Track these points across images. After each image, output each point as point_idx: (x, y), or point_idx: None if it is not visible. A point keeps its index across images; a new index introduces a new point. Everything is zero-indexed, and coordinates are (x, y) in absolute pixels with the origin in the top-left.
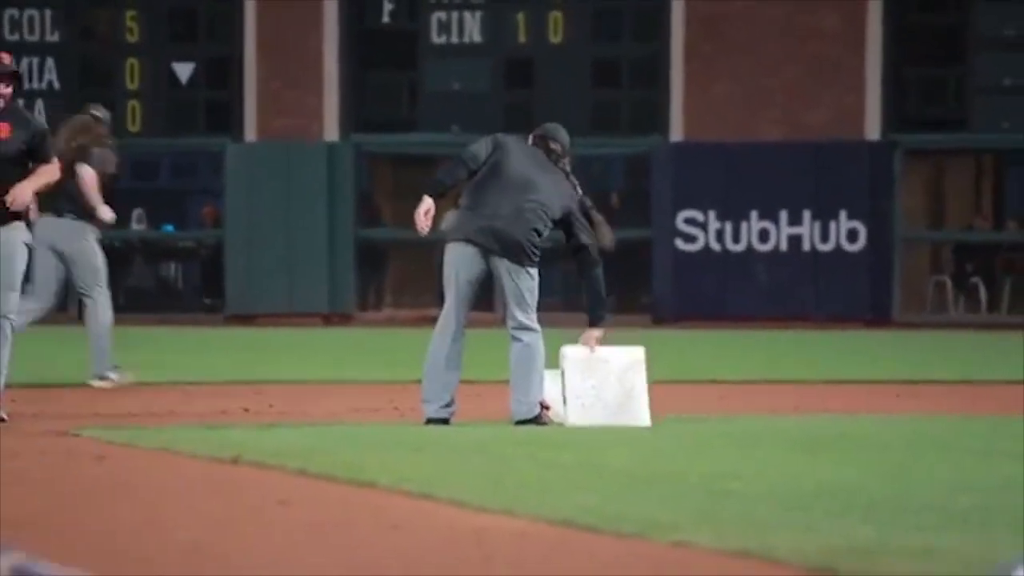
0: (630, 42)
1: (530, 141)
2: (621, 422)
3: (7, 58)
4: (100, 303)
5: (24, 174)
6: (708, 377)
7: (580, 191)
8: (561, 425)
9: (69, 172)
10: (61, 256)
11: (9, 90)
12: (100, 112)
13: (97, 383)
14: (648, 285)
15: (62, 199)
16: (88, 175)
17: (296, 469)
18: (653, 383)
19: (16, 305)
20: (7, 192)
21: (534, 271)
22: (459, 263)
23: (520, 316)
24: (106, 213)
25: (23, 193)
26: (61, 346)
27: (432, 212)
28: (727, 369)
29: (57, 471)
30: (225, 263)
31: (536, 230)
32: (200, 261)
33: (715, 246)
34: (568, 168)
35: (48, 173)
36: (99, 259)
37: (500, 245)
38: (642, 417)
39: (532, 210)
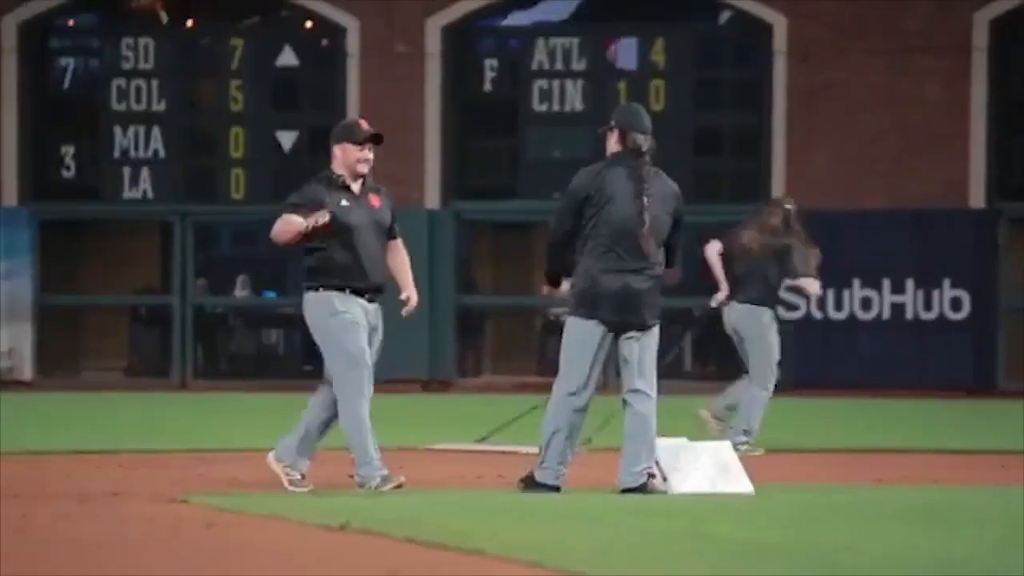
0: (731, 111)
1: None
2: (724, 489)
3: (365, 124)
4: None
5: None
6: (812, 445)
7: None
8: (666, 493)
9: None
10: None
11: (371, 156)
12: (789, 204)
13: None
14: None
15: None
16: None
17: (404, 537)
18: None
19: None
20: (382, 262)
21: (657, 329)
22: (592, 341)
23: (638, 382)
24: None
25: (414, 298)
26: (168, 412)
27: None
28: (831, 437)
29: (167, 538)
30: None
31: (659, 278)
32: (301, 327)
33: (817, 314)
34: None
35: (405, 256)
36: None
37: (631, 314)
38: (744, 485)
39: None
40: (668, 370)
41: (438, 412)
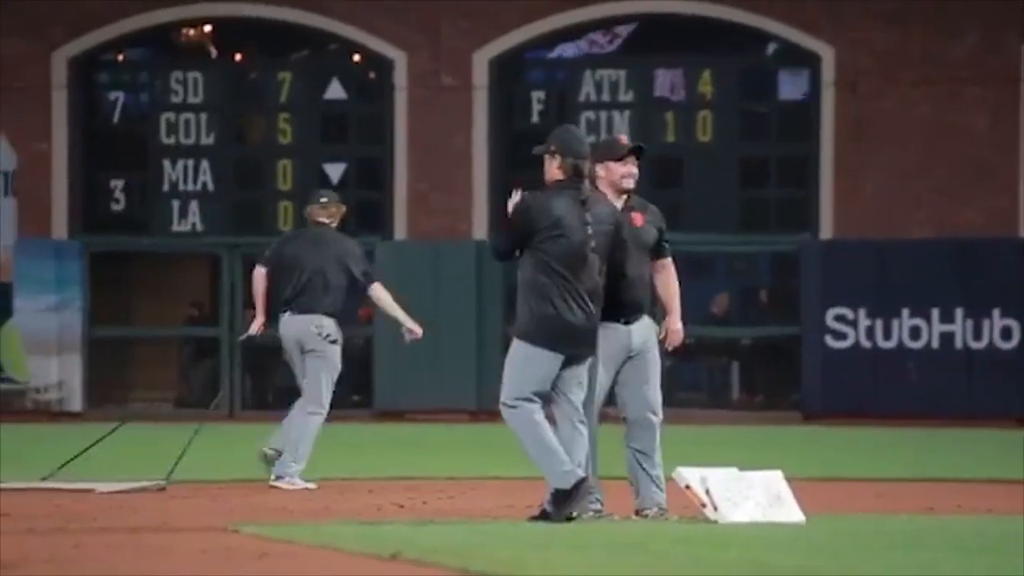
0: (778, 141)
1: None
2: (774, 519)
3: (624, 138)
4: None
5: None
6: (862, 475)
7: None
8: (716, 523)
9: None
10: None
11: (636, 170)
12: None
13: None
14: (797, 382)
15: None
16: None
17: (456, 567)
18: (806, 480)
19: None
20: (642, 288)
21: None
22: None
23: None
24: None
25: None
26: (217, 442)
27: None
28: (881, 467)
29: (219, 568)
30: (374, 359)
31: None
32: (349, 358)
33: (865, 343)
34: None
35: (672, 278)
36: None
37: (584, 345)
38: (795, 514)
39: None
40: (714, 400)
41: (488, 441)
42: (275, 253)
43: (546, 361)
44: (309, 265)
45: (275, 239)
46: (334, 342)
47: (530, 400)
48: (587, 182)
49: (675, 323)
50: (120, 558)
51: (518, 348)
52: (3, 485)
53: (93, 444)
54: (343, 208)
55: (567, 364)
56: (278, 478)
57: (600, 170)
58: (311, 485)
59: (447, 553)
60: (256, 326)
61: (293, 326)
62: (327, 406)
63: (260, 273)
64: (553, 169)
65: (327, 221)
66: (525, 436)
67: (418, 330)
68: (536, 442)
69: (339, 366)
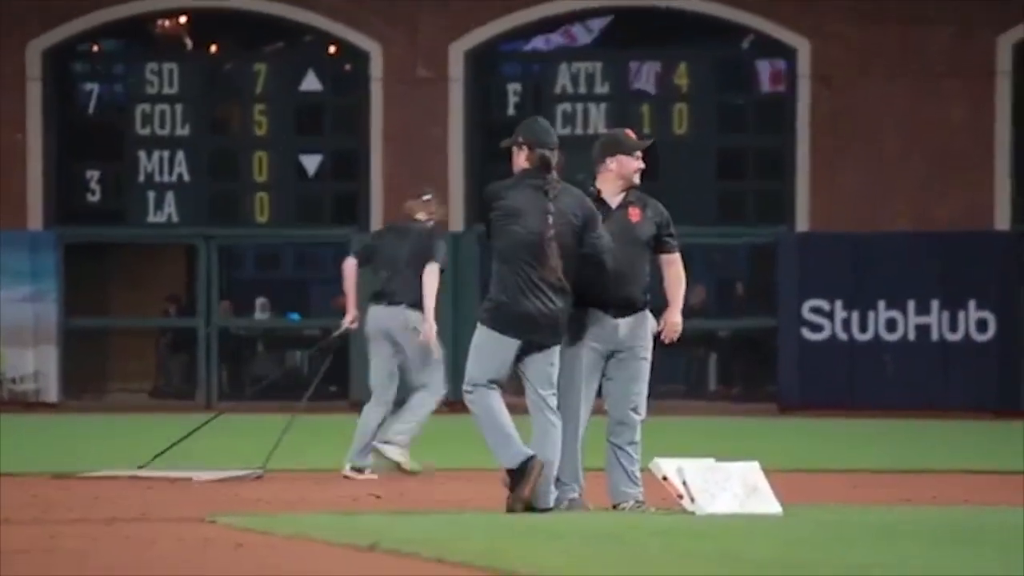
0: (754, 134)
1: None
2: (752, 510)
3: (632, 133)
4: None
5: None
6: (839, 466)
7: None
8: (693, 514)
9: None
10: None
11: (642, 165)
12: None
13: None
14: (774, 374)
15: None
16: None
17: (433, 557)
18: (782, 471)
19: None
20: (635, 284)
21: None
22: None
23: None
24: None
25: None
26: (193, 433)
27: None
28: (857, 458)
29: (196, 559)
30: (350, 351)
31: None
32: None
33: (842, 335)
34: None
35: (677, 271)
36: None
37: (537, 334)
38: (772, 505)
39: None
40: (692, 391)
41: (466, 432)
42: (367, 247)
43: (500, 346)
44: (400, 259)
45: (248, 229)
46: (415, 330)
47: (486, 386)
48: (554, 173)
49: (673, 315)
50: (97, 549)
51: (476, 333)
52: (98, 473)
53: (191, 432)
54: (444, 208)
55: (527, 352)
56: (386, 443)
57: (611, 163)
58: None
59: (424, 544)
60: (349, 319)
61: (382, 319)
62: (442, 388)
63: (351, 265)
64: (520, 160)
65: (423, 218)
66: (480, 420)
67: (429, 336)
68: (490, 426)
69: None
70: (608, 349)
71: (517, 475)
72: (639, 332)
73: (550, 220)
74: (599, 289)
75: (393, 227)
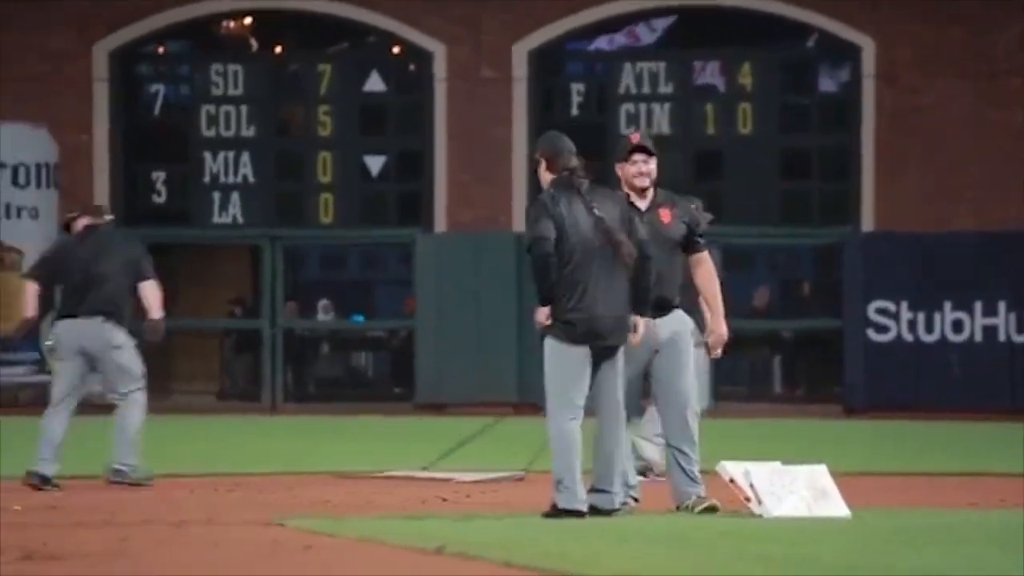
0: (819, 133)
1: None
2: (819, 513)
3: (635, 136)
4: None
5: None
6: (906, 469)
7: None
8: (761, 517)
9: None
10: None
11: (647, 168)
12: None
13: None
14: (839, 375)
15: None
16: None
17: (500, 560)
18: (849, 474)
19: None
20: (671, 284)
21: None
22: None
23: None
24: None
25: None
26: (259, 435)
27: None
28: (925, 461)
29: (265, 561)
30: (416, 352)
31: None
32: (390, 350)
33: (907, 336)
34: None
35: (708, 270)
36: None
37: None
38: (840, 508)
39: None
40: (756, 394)
41: (530, 435)
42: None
43: (572, 356)
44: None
45: (312, 230)
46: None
47: (567, 407)
48: (578, 177)
49: (718, 326)
50: (166, 552)
51: (545, 346)
52: (389, 473)
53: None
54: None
55: (599, 358)
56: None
57: (618, 171)
58: None
59: (491, 547)
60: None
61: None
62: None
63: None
64: (545, 175)
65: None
66: (552, 445)
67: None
68: (559, 454)
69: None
70: (648, 352)
71: (556, 512)
72: (678, 329)
73: (597, 212)
74: (643, 290)
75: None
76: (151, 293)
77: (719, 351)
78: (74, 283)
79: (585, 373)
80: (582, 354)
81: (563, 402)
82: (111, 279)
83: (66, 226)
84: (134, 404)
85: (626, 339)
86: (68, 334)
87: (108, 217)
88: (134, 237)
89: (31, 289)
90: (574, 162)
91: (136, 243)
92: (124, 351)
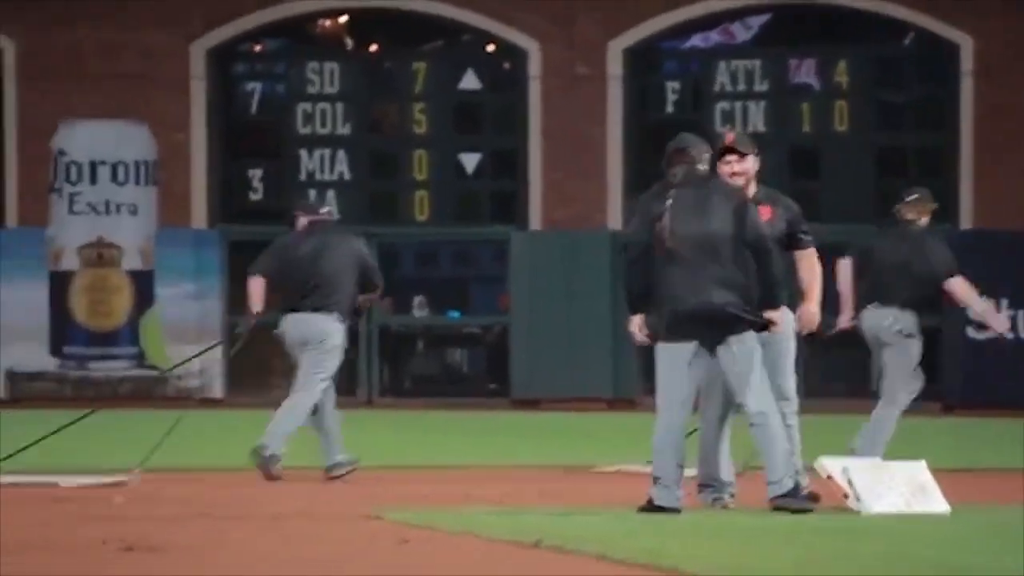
0: (915, 131)
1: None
2: (918, 510)
3: (729, 136)
4: None
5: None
6: (1006, 466)
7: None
8: (859, 514)
9: None
10: None
11: (741, 167)
12: None
13: None
14: (938, 373)
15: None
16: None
17: (597, 554)
18: (948, 471)
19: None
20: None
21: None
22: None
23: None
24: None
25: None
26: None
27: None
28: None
29: (362, 554)
30: (510, 348)
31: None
32: (485, 346)
33: (1007, 334)
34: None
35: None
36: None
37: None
38: (940, 505)
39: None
40: (853, 390)
41: (625, 430)
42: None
43: (673, 354)
44: (888, 259)
45: (408, 228)
46: (909, 336)
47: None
48: (680, 169)
49: (810, 306)
50: (263, 544)
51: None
52: (624, 467)
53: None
54: (933, 206)
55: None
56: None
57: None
58: None
59: (588, 541)
60: (845, 320)
61: (869, 319)
62: (905, 398)
63: (844, 265)
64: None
65: (913, 218)
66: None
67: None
68: (657, 451)
69: (915, 358)
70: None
71: (648, 505)
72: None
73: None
74: (768, 285)
75: (889, 230)
76: (367, 298)
77: (812, 327)
78: (298, 279)
79: (683, 369)
80: (681, 350)
81: (662, 400)
82: (333, 275)
83: (292, 222)
84: (299, 409)
85: (722, 334)
86: (294, 329)
87: (323, 211)
88: (355, 233)
89: (257, 284)
90: (688, 157)
91: (356, 240)
92: (333, 351)
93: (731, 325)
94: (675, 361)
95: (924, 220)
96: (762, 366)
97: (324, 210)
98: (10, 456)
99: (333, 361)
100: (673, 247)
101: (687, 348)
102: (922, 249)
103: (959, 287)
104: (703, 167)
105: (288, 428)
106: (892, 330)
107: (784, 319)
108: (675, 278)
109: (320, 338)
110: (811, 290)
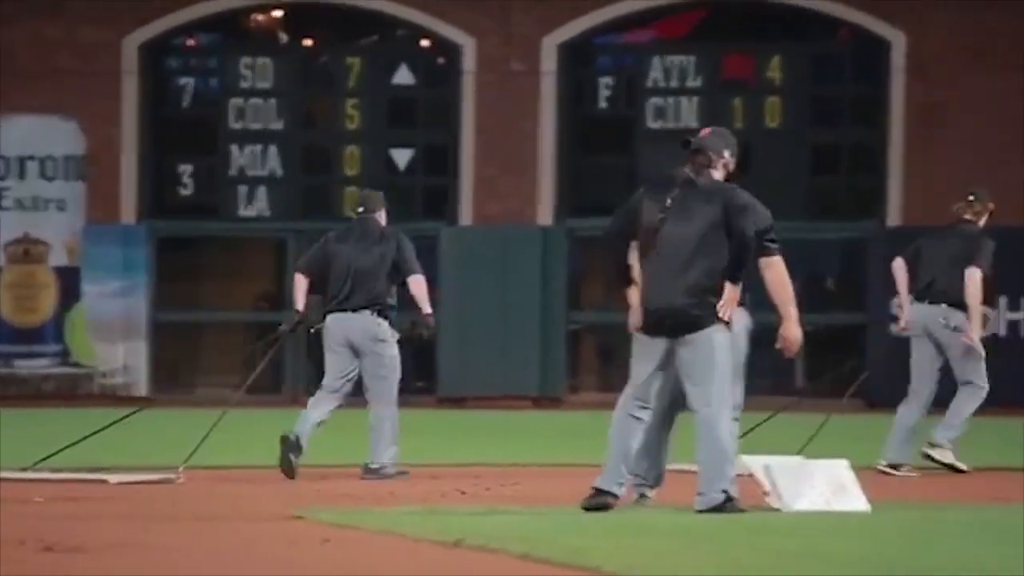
0: (848, 127)
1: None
2: (839, 507)
3: (703, 132)
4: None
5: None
6: (928, 464)
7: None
8: (780, 511)
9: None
10: None
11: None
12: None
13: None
14: (863, 370)
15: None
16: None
17: (519, 554)
18: (869, 469)
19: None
20: None
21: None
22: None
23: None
24: None
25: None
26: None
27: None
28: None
29: (283, 554)
30: (437, 345)
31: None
32: (412, 343)
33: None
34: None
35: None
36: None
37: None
38: (860, 503)
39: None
40: (779, 387)
41: (551, 428)
42: (912, 249)
43: (640, 344)
44: (943, 257)
45: (339, 224)
46: (957, 329)
47: (630, 395)
48: (682, 171)
49: (790, 326)
50: (183, 544)
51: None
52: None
53: None
54: (991, 206)
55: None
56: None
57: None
58: None
59: (510, 540)
60: (904, 321)
61: (919, 314)
62: (985, 384)
63: (898, 265)
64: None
65: (972, 218)
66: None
67: (971, 336)
68: (610, 438)
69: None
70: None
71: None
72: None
73: (666, 213)
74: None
75: (946, 229)
76: (418, 288)
77: (790, 354)
78: (340, 277)
79: (648, 363)
80: (653, 342)
81: (629, 388)
82: (374, 273)
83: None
84: (389, 401)
85: (684, 334)
86: (336, 327)
87: (360, 209)
88: (396, 231)
89: (300, 282)
90: (692, 156)
91: (398, 237)
92: (388, 345)
93: (693, 326)
94: (644, 351)
95: (982, 221)
96: (729, 372)
97: (361, 209)
98: None
99: (396, 358)
100: (653, 244)
101: (659, 342)
102: (979, 247)
103: (976, 284)
104: (714, 170)
105: (389, 439)
106: (947, 327)
107: (738, 319)
108: (652, 276)
109: (370, 337)
110: (786, 307)
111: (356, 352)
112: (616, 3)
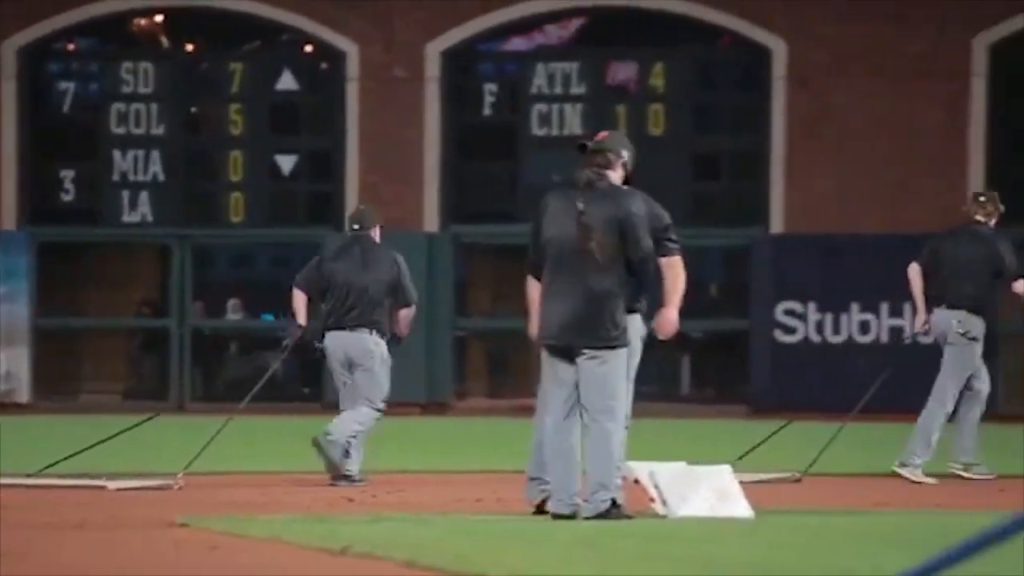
0: (729, 135)
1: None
2: (722, 514)
3: (598, 136)
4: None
5: None
6: (812, 470)
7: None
8: (665, 518)
9: None
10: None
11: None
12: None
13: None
14: (746, 376)
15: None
16: None
17: (404, 560)
18: (755, 475)
19: None
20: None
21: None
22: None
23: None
24: None
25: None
26: (165, 435)
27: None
28: (832, 462)
29: (169, 562)
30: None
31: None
32: (301, 352)
33: (815, 338)
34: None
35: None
36: None
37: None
38: (743, 509)
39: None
40: (664, 393)
41: (438, 434)
42: (926, 254)
43: (545, 355)
44: (959, 260)
45: (222, 230)
46: (973, 339)
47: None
48: (584, 173)
49: (668, 310)
50: (67, 553)
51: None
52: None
53: None
54: (1001, 207)
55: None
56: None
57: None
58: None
59: (396, 547)
60: (920, 323)
61: (939, 320)
62: (952, 401)
63: (913, 271)
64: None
65: (983, 219)
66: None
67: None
68: (534, 447)
69: (974, 361)
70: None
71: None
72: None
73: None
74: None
75: (954, 232)
76: (406, 315)
77: (663, 336)
78: (339, 296)
79: (553, 375)
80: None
81: (540, 404)
82: (373, 293)
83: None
84: (365, 416)
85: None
86: (334, 345)
87: (356, 226)
88: (394, 254)
89: (300, 297)
90: (590, 158)
91: (397, 261)
92: (382, 364)
93: (595, 338)
94: (550, 371)
95: (993, 221)
96: (626, 383)
97: (356, 226)
98: None
99: (386, 379)
100: (555, 253)
101: (559, 352)
102: (996, 249)
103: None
104: (611, 171)
105: (362, 449)
106: (958, 332)
107: (634, 328)
108: (553, 285)
109: (365, 352)
110: (671, 294)
111: (350, 367)
112: (499, 10)
